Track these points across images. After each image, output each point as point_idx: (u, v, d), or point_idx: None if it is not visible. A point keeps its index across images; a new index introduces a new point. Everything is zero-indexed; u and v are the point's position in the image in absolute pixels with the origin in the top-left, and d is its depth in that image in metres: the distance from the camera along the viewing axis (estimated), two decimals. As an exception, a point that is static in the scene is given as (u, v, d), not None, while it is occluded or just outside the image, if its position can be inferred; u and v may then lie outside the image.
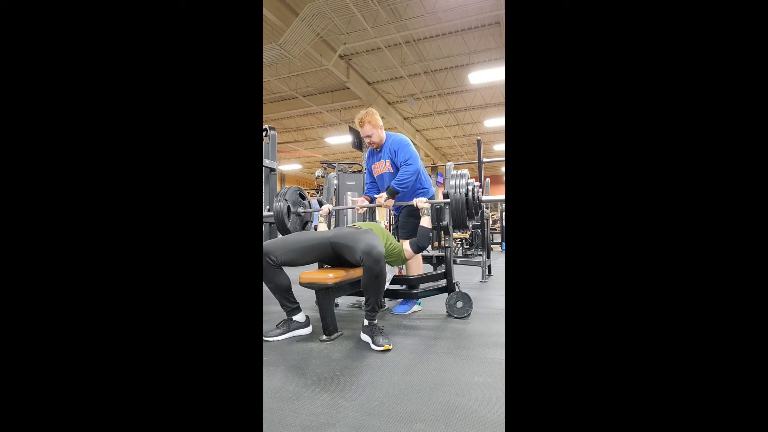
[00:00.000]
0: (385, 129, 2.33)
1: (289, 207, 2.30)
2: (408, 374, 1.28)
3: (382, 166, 2.28)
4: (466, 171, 2.13)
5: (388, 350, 1.53)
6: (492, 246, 7.05)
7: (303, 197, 2.45)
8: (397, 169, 2.20)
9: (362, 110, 2.24)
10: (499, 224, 9.29)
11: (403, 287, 2.29)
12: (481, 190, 2.12)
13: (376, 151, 2.31)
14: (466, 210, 2.04)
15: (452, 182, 2.05)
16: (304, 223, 2.43)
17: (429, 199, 2.17)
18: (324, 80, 8.82)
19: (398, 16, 6.50)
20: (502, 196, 2.10)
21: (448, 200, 2.06)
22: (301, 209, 2.38)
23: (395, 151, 2.19)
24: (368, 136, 2.21)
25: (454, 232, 2.25)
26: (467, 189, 2.04)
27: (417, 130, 12.18)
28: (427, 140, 13.27)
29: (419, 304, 2.35)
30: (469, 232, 7.17)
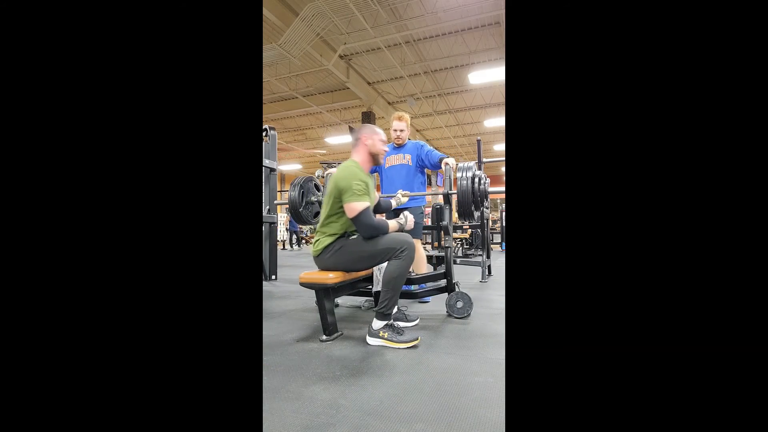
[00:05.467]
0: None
1: (303, 193, 2.59)
2: (408, 374, 1.28)
3: (400, 159, 2.61)
4: (473, 163, 2.23)
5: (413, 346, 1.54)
6: (492, 246, 7.04)
7: (318, 188, 2.70)
8: (417, 163, 2.59)
9: (397, 111, 2.72)
10: (499, 224, 9.29)
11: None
12: (487, 181, 2.27)
13: (396, 147, 2.66)
14: (472, 196, 2.17)
15: (460, 173, 2.20)
16: (316, 213, 2.66)
17: (423, 207, 2.54)
18: (324, 80, 8.82)
19: (398, 16, 6.50)
20: (503, 188, 2.20)
21: (454, 191, 2.22)
22: (314, 198, 2.66)
23: (428, 152, 2.56)
24: (401, 130, 2.61)
25: (460, 220, 2.40)
26: (473, 179, 2.16)
27: (417, 130, 12.18)
28: (427, 140, 13.27)
29: None
30: (469, 232, 7.17)
